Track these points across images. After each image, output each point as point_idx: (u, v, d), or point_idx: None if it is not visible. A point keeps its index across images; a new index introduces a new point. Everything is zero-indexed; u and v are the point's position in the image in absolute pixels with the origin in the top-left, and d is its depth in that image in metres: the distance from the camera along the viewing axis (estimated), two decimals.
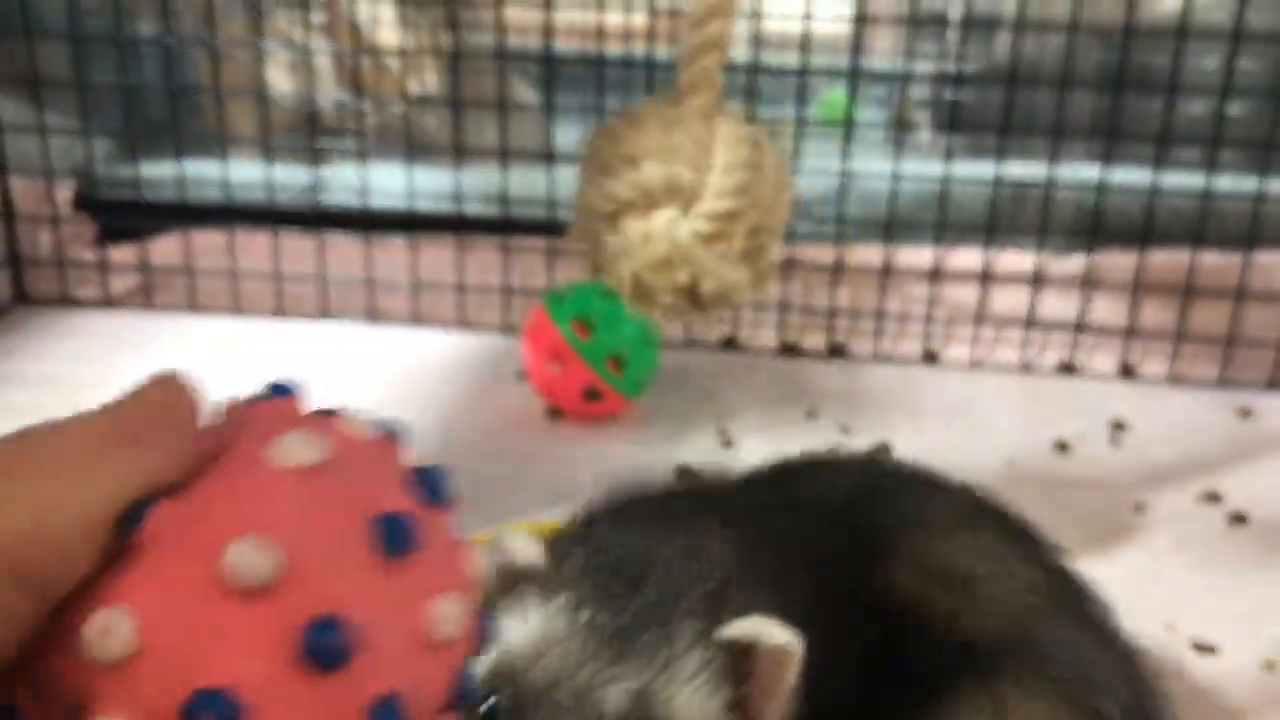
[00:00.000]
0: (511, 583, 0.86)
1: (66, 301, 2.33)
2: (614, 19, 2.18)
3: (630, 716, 0.79)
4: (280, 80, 2.34)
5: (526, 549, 0.88)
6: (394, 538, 0.45)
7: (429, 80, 2.32)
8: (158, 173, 2.34)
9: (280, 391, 0.51)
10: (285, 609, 0.42)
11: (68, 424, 0.44)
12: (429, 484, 0.48)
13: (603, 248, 1.26)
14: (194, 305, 2.31)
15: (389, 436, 0.50)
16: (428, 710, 0.46)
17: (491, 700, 0.80)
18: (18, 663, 0.42)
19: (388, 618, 0.44)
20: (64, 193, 2.31)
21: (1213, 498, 1.70)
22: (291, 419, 0.49)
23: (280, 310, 2.30)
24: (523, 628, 0.83)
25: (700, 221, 1.19)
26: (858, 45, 2.12)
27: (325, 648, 0.42)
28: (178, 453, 0.45)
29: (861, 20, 2.12)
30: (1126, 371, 2.15)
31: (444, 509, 0.49)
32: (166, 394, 0.48)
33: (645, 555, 0.88)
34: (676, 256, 1.18)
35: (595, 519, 0.99)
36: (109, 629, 0.41)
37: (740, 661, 0.81)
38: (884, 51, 2.22)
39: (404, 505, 0.46)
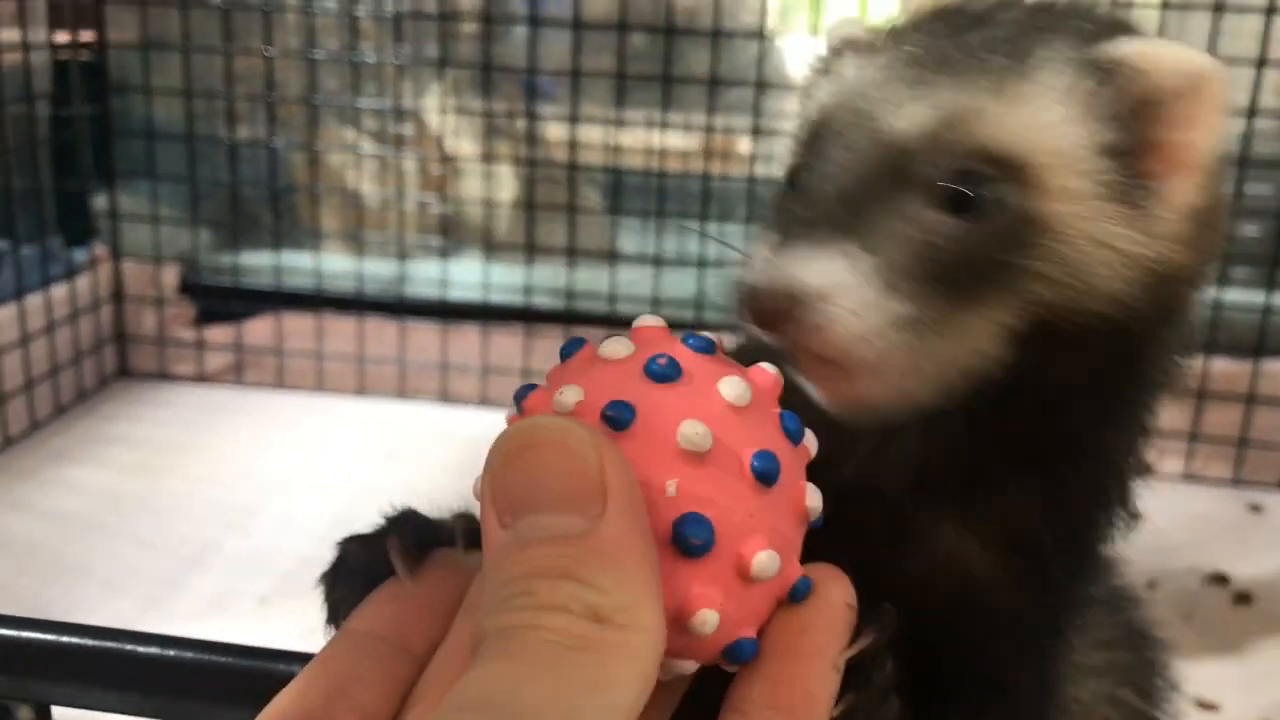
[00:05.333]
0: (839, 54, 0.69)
1: (165, 376, 2.54)
2: (673, 140, 2.41)
3: (936, 139, 0.59)
4: (369, 182, 2.58)
5: (857, 26, 0.70)
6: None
7: (506, 185, 2.54)
8: (255, 261, 2.58)
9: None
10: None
11: None
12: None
13: None
14: (281, 383, 2.52)
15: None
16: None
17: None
18: None
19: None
20: (170, 277, 2.54)
21: (1220, 579, 1.84)
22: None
23: (361, 389, 2.51)
24: (834, 84, 0.66)
25: None
26: None
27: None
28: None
29: None
30: (1144, 469, 2.29)
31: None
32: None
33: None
34: None
35: None
36: None
37: (1127, 100, 0.60)
38: None
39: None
